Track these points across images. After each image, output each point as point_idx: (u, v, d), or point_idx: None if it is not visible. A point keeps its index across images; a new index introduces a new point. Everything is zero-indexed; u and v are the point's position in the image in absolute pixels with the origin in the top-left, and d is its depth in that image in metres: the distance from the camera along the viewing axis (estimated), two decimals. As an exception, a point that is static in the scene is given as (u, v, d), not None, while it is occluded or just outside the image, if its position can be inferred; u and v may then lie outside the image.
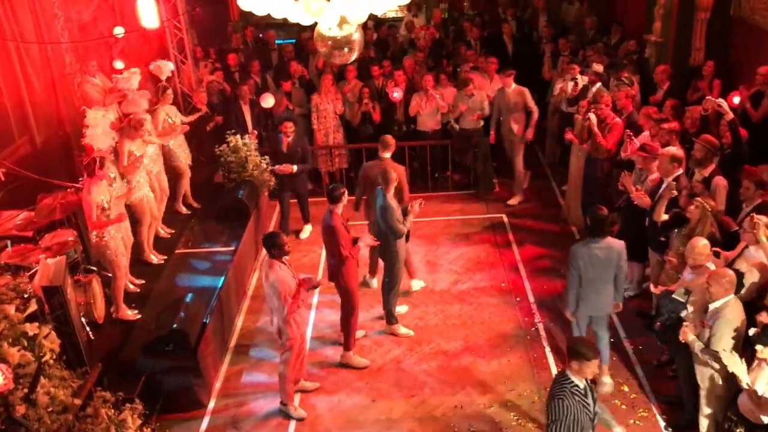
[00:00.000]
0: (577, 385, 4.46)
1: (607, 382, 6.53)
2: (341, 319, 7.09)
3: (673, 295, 5.69)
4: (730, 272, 5.15)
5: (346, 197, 6.82)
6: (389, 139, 8.01)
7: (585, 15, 12.92)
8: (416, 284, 8.32)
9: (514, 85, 9.75)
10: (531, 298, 8.04)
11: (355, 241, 6.80)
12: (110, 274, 7.14)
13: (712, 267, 5.55)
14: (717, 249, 5.80)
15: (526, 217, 9.91)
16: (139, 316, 7.16)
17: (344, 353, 7.14)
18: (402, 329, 7.53)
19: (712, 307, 5.14)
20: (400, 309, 7.76)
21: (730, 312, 5.06)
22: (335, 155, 10.76)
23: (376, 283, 8.31)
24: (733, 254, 5.75)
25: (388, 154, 7.91)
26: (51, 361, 5.35)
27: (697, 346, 5.18)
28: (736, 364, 4.82)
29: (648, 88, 9.74)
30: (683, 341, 5.28)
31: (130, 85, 8.45)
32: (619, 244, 6.12)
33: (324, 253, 8.20)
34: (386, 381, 6.90)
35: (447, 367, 7.04)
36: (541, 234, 9.41)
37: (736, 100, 8.00)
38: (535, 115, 9.88)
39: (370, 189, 7.87)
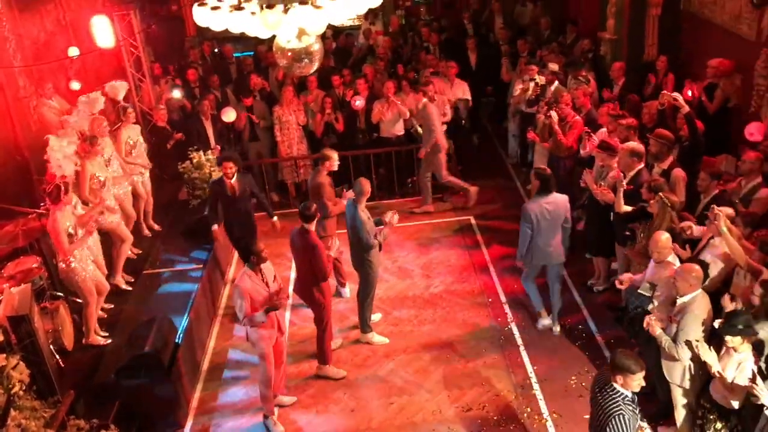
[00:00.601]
0: (627, 396, 4.46)
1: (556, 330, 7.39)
2: (317, 334, 7.04)
3: (638, 290, 5.80)
4: (697, 267, 5.24)
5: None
6: (326, 152, 7.98)
7: (540, 16, 13.11)
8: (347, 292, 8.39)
9: (424, 100, 9.66)
10: (503, 298, 8.11)
11: None
12: (80, 300, 7.01)
13: (677, 262, 5.66)
14: (687, 219, 5.88)
15: (493, 218, 10.00)
16: (109, 341, 7.04)
17: (320, 367, 7.11)
18: (377, 337, 7.54)
19: (679, 301, 5.24)
20: (374, 317, 7.76)
21: (698, 307, 5.16)
22: (300, 166, 10.73)
23: (348, 292, 8.32)
24: (702, 230, 5.85)
25: (323, 168, 7.82)
26: (21, 392, 5.26)
27: (665, 341, 5.27)
28: (707, 353, 4.92)
29: (604, 85, 9.91)
30: (651, 334, 5.37)
31: (94, 108, 8.34)
32: (564, 198, 6.93)
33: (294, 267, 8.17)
34: (364, 390, 6.89)
35: (424, 371, 7.06)
36: (508, 234, 9.45)
37: (690, 93, 8.21)
38: (432, 137, 9.72)
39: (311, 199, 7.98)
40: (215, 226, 8.18)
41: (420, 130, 10.42)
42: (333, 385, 6.98)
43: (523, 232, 6.95)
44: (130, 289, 8.04)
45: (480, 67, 11.95)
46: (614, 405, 4.41)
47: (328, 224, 7.82)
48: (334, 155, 7.90)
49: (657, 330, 5.29)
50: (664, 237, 5.65)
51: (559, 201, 6.88)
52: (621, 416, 4.36)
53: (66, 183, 6.82)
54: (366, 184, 7.15)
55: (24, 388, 5.31)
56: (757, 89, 7.87)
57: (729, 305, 5.10)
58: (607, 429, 4.39)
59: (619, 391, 4.44)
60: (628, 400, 4.44)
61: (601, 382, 4.61)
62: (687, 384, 5.38)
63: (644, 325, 5.36)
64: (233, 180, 7.94)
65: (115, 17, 10.42)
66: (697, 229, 5.95)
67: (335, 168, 7.95)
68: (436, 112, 9.76)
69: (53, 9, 10.67)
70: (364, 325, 7.54)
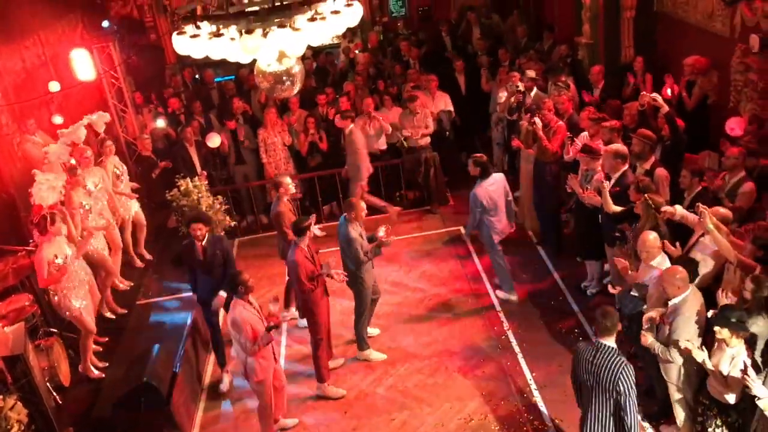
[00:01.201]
0: (617, 348, 4.86)
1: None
2: (312, 351, 7.05)
3: (630, 292, 5.83)
4: (681, 269, 5.26)
5: (312, 230, 6.84)
6: (278, 178, 8.07)
7: (516, 24, 13.23)
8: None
9: (350, 126, 9.79)
10: (497, 307, 8.13)
11: (318, 273, 6.77)
12: (74, 335, 6.97)
13: (666, 262, 5.67)
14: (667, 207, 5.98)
15: (483, 226, 10.01)
16: (103, 376, 6.97)
17: (319, 385, 7.10)
18: (374, 354, 7.53)
19: (670, 303, 5.26)
20: (372, 332, 7.77)
21: (689, 308, 5.18)
22: (288, 187, 10.71)
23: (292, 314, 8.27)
24: (693, 217, 5.85)
25: (281, 195, 7.81)
26: (19, 433, 5.21)
27: (657, 347, 5.31)
28: (698, 353, 4.95)
29: (583, 89, 10.00)
30: (644, 345, 5.41)
31: (77, 138, 8.33)
32: (501, 176, 7.96)
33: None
34: (365, 407, 6.88)
35: (424, 385, 7.05)
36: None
37: (669, 92, 8.30)
38: (357, 162, 9.86)
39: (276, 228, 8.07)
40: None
41: (405, 144, 10.49)
42: (333, 404, 6.96)
43: (473, 215, 7.86)
44: (113, 317, 7.98)
45: (469, 87, 11.90)
46: (617, 359, 4.76)
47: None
48: (286, 180, 7.90)
49: (648, 339, 5.34)
50: (651, 237, 5.66)
51: (498, 181, 7.82)
52: (628, 365, 4.74)
53: (53, 213, 6.78)
54: (358, 205, 7.16)
55: (22, 428, 5.28)
56: (735, 85, 7.98)
57: (723, 300, 5.13)
58: (620, 382, 4.72)
59: (611, 347, 4.82)
60: (619, 352, 4.83)
61: (590, 349, 4.93)
62: (684, 383, 5.41)
63: (641, 342, 5.45)
64: (204, 242, 7.13)
65: (94, 50, 10.44)
66: (681, 213, 5.96)
67: (291, 192, 7.96)
68: (361, 138, 9.89)
69: (32, 45, 10.66)
70: (361, 342, 7.53)
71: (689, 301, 5.20)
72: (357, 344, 7.57)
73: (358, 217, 7.13)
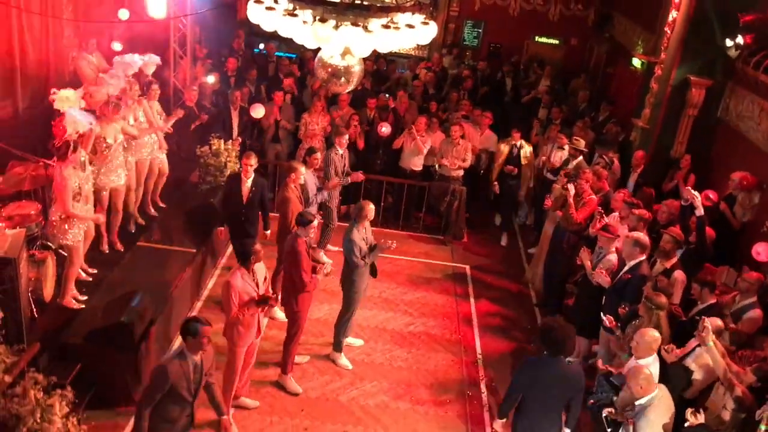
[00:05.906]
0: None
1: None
2: (284, 341, 7.07)
3: (611, 378, 5.78)
4: (646, 371, 5.19)
5: (315, 223, 6.84)
6: (293, 163, 8.10)
7: (580, 88, 13.22)
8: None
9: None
10: (479, 354, 8.08)
11: (313, 270, 6.79)
12: (65, 254, 6.96)
13: (655, 366, 5.56)
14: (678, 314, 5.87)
15: (489, 272, 10.00)
16: (82, 307, 6.98)
17: (281, 375, 7.12)
18: (343, 359, 7.55)
19: (637, 404, 5.19)
20: (355, 342, 7.81)
21: (653, 411, 5.09)
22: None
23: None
24: (683, 351, 5.84)
25: (289, 181, 7.83)
26: (-11, 334, 5.25)
27: None
28: None
29: (627, 170, 9.99)
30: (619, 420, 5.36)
31: (128, 70, 8.35)
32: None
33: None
34: (322, 411, 6.85)
35: (385, 407, 7.03)
36: (499, 291, 9.51)
37: (711, 196, 8.23)
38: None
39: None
40: (221, 228, 8.25)
41: (438, 168, 10.49)
42: (294, 399, 6.95)
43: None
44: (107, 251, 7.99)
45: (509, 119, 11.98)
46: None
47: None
48: (301, 168, 7.93)
49: None
50: (652, 334, 5.59)
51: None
52: None
53: (76, 141, 6.67)
54: (367, 207, 7.21)
55: (-7, 328, 5.31)
56: (773, 211, 7.92)
57: (691, 419, 5.06)
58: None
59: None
60: None
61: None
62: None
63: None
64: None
65: (170, -10, 10.55)
66: (678, 353, 5.92)
67: (301, 182, 7.98)
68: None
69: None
70: (337, 344, 7.56)
71: (654, 405, 5.11)
72: (333, 344, 7.58)
73: (361, 219, 7.18)
